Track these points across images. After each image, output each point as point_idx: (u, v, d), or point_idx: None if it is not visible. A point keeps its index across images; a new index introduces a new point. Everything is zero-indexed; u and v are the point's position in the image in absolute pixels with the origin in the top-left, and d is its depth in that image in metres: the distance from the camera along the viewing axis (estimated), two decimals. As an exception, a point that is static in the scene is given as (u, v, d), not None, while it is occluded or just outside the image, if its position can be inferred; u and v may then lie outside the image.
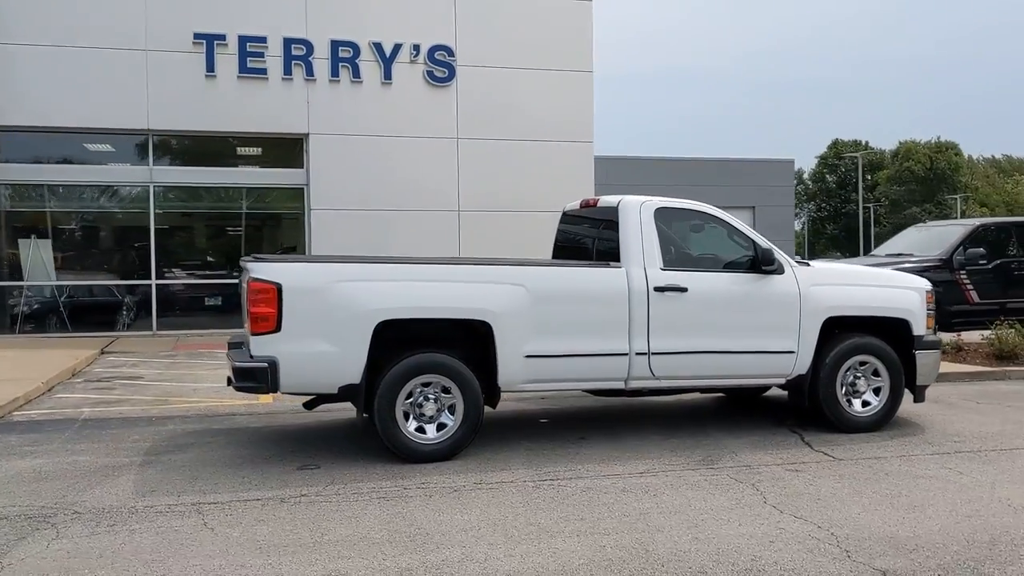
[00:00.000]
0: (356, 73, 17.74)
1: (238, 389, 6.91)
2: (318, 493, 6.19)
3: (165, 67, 16.86)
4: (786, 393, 8.33)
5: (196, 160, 18.04)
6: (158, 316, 17.58)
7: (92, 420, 8.85)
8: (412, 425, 7.01)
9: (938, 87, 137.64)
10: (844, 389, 8.00)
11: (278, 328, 6.69)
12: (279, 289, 6.67)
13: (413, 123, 17.97)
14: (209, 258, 18.95)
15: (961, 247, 14.03)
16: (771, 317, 7.79)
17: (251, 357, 6.81)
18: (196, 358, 14.10)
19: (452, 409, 7.09)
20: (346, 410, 8.68)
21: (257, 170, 18.11)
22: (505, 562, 4.84)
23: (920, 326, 8.20)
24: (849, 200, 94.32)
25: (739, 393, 9.51)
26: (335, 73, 17.62)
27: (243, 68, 17.19)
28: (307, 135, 17.64)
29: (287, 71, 17.40)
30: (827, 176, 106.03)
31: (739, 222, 8.04)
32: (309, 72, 17.47)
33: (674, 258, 7.67)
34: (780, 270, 7.80)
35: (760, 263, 7.74)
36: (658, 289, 7.46)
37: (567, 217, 9.05)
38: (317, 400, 7.64)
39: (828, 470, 6.78)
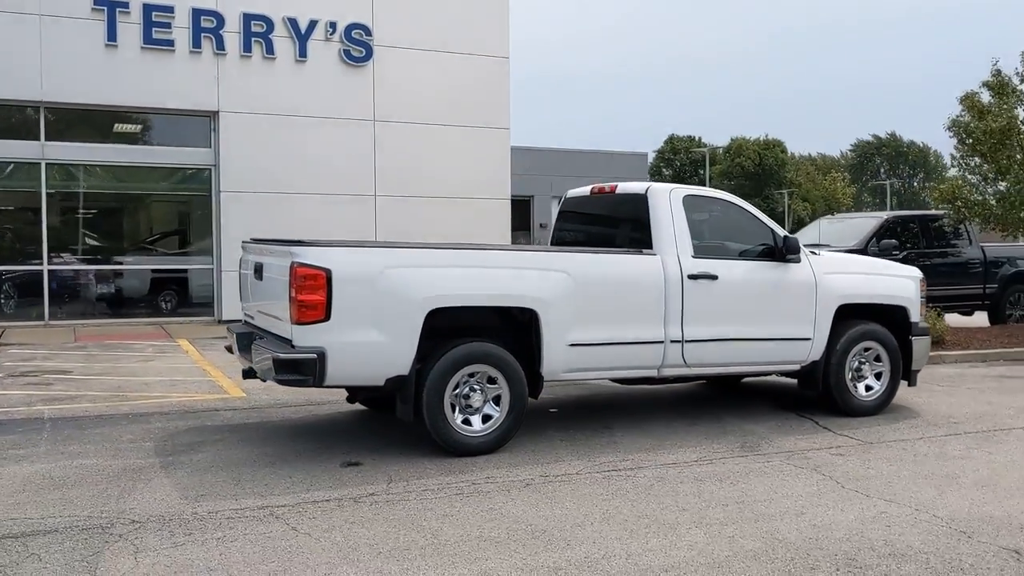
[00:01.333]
0: (269, 49, 16.91)
1: (280, 382, 6.43)
2: (386, 492, 5.84)
3: (60, 34, 15.54)
4: (758, 379, 8.49)
5: (94, 136, 16.74)
6: (50, 305, 16.22)
7: (60, 419, 8.04)
8: (459, 417, 6.73)
9: (765, 86, 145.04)
10: (850, 374, 8.26)
11: (327, 317, 6.26)
12: (329, 275, 6.24)
13: (329, 104, 17.31)
14: (106, 243, 17.63)
15: (875, 238, 14.79)
16: (791, 305, 7.93)
17: (293, 347, 6.35)
18: (111, 350, 13.12)
19: (497, 400, 6.85)
20: (328, 403, 8.29)
21: (161, 148, 16.94)
22: (650, 556, 4.69)
23: (916, 313, 8.57)
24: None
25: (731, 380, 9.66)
26: (247, 48, 16.74)
27: (148, 39, 16.06)
28: (217, 112, 16.68)
29: (196, 44, 16.38)
30: (664, 170, 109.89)
31: (757, 210, 8.15)
32: (219, 46, 16.52)
33: (702, 246, 7.67)
34: (798, 259, 7.96)
35: (783, 251, 7.86)
36: (691, 277, 7.46)
37: (572, 203, 8.90)
38: (357, 393, 7.23)
39: (868, 453, 6.97)
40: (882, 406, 8.40)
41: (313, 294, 6.23)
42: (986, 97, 14.85)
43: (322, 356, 6.24)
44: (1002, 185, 14.32)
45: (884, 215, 16.22)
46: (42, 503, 5.54)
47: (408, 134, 17.88)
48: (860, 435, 7.58)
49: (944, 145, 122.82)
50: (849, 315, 8.23)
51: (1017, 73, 14.80)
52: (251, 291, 7.47)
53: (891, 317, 8.46)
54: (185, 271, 17.88)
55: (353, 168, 17.55)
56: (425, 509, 5.48)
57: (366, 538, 4.96)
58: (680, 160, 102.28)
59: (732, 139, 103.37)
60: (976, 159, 15.08)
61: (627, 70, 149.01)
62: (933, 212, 16.49)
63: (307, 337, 6.28)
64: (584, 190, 8.77)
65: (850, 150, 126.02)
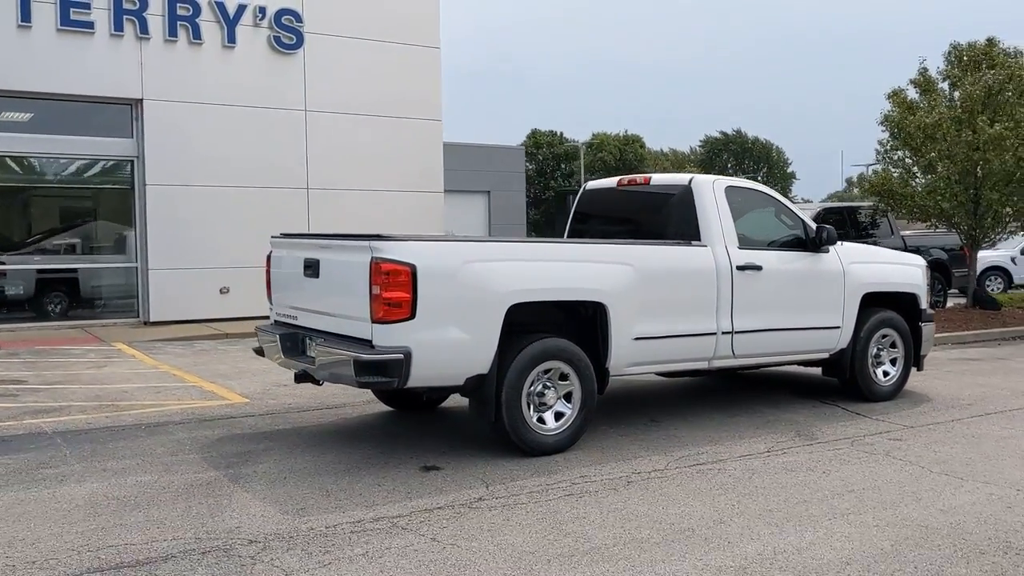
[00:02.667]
0: (196, 34, 16.00)
1: (361, 385, 6.05)
2: (492, 496, 5.59)
3: (-34, 13, 14.25)
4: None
5: (5, 124, 15.39)
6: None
7: (67, 433, 7.35)
8: (534, 416, 6.54)
9: (625, 83, 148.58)
10: (871, 361, 8.49)
11: (412, 315, 5.94)
12: (414, 271, 5.91)
13: (259, 92, 16.54)
14: (16, 239, 16.30)
15: (812, 229, 15.29)
16: (823, 294, 8.08)
17: (373, 348, 6.00)
18: (48, 356, 12.19)
19: (568, 397, 6.69)
20: (347, 405, 7.92)
21: (79, 139, 15.72)
22: (818, 551, 4.64)
23: (924, 300, 8.89)
24: (548, 187, 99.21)
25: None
26: (172, 32, 15.78)
27: (64, 20, 14.90)
28: (140, 100, 15.66)
29: (117, 27, 15.32)
30: (527, 164, 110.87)
31: (788, 200, 8.26)
32: (143, 29, 15.50)
33: (745, 237, 7.71)
34: (828, 249, 8.11)
35: (817, 242, 7.99)
36: (739, 268, 7.48)
37: (593, 196, 8.77)
38: (398, 395, 6.98)
39: (922, 437, 7.16)
40: (897, 391, 8.69)
41: (398, 291, 5.89)
42: (912, 94, 15.63)
43: (408, 356, 5.92)
44: (928, 177, 15.06)
45: (817, 206, 16.83)
46: (131, 526, 5.03)
47: (340, 125, 17.31)
48: (897, 420, 7.80)
49: (785, 143, 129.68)
50: (870, 303, 8.45)
51: (939, 72, 15.64)
52: (295, 289, 7.00)
53: (904, 304, 8.74)
54: (104, 270, 16.74)
55: (285, 159, 16.85)
56: (549, 512, 5.27)
57: (519, 545, 4.72)
58: (543, 155, 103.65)
59: (593, 135, 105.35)
60: (900, 153, 15.83)
61: (491, 65, 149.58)
62: (858, 203, 17.22)
63: (391, 337, 5.94)
64: (608, 182, 8.67)
65: (700, 146, 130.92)
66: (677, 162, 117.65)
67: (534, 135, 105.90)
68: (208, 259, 16.14)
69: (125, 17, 15.36)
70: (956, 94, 15.12)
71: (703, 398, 8.83)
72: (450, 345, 6.10)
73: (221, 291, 16.26)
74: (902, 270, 8.79)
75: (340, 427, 7.60)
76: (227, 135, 16.20)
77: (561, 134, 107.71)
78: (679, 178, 7.90)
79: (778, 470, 6.20)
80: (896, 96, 15.49)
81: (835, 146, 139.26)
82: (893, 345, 8.66)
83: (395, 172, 17.82)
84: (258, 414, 8.12)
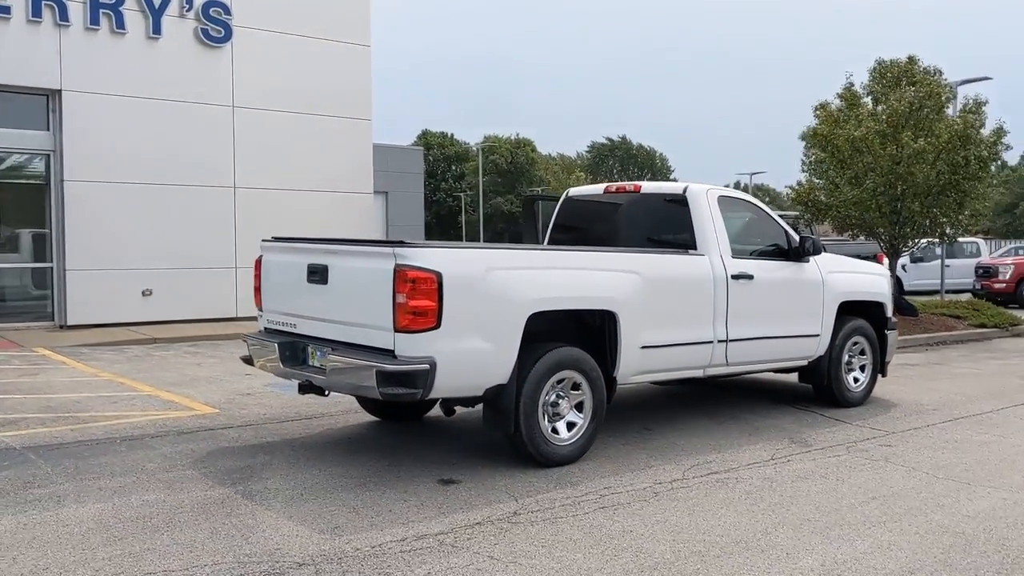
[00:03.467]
0: (119, 23, 15.22)
1: (383, 396, 5.83)
2: (527, 510, 5.46)
3: None
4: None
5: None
6: None
7: (39, 447, 6.86)
8: (548, 426, 6.45)
9: (512, 86, 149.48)
10: (844, 368, 8.72)
11: (438, 324, 5.76)
12: (440, 279, 5.74)
13: (185, 86, 15.86)
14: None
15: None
16: (806, 303, 8.25)
17: (395, 358, 5.79)
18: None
19: (579, 407, 6.62)
20: (327, 416, 7.68)
21: (-11, 130, 14.76)
22: (877, 559, 4.70)
23: (889, 308, 9.19)
24: (439, 188, 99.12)
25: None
26: (94, 20, 14.97)
27: (-23, 3, 13.98)
28: (59, 91, 14.79)
29: (35, 12, 14.43)
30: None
31: (771, 210, 8.40)
32: (63, 16, 14.66)
33: (736, 246, 7.80)
34: (808, 258, 8.29)
35: (800, 251, 8.15)
36: (734, 277, 7.56)
37: (577, 202, 8.72)
38: (388, 406, 7.02)
39: (909, 443, 7.37)
40: (866, 397, 8.96)
41: (424, 299, 5.70)
42: (836, 105, 16.19)
43: (433, 367, 5.74)
44: (854, 191, 15.61)
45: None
46: (161, 551, 4.70)
47: (270, 122, 16.77)
48: (877, 426, 8.02)
49: (667, 149, 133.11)
50: (843, 312, 8.68)
51: (863, 87, 16.26)
52: (295, 295, 6.70)
53: (872, 312, 9.01)
54: (16, 270, 15.73)
55: (212, 157, 16.22)
56: (593, 526, 5.19)
57: (581, 563, 4.62)
58: (434, 155, 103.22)
59: (485, 137, 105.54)
60: (826, 165, 16.38)
61: (384, 63, 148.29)
62: (783, 213, 17.72)
63: (416, 346, 5.75)
64: (592, 189, 8.64)
65: (586, 151, 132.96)
66: (565, 166, 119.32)
67: (425, 136, 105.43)
68: (129, 260, 15.38)
69: (44, 2, 14.51)
70: (879, 108, 15.73)
71: (685, 405, 8.88)
72: (473, 355, 5.95)
73: (143, 293, 15.53)
74: (872, 279, 9.07)
75: (331, 439, 7.32)
76: (151, 130, 15.48)
77: (452, 135, 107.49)
78: (672, 187, 7.93)
79: (793, 478, 6.27)
80: (823, 109, 16.02)
81: (716, 155, 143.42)
82: (863, 352, 8.92)
83: (325, 171, 17.39)
84: (236, 425, 7.75)
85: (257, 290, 7.15)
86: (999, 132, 15.15)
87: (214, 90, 16.19)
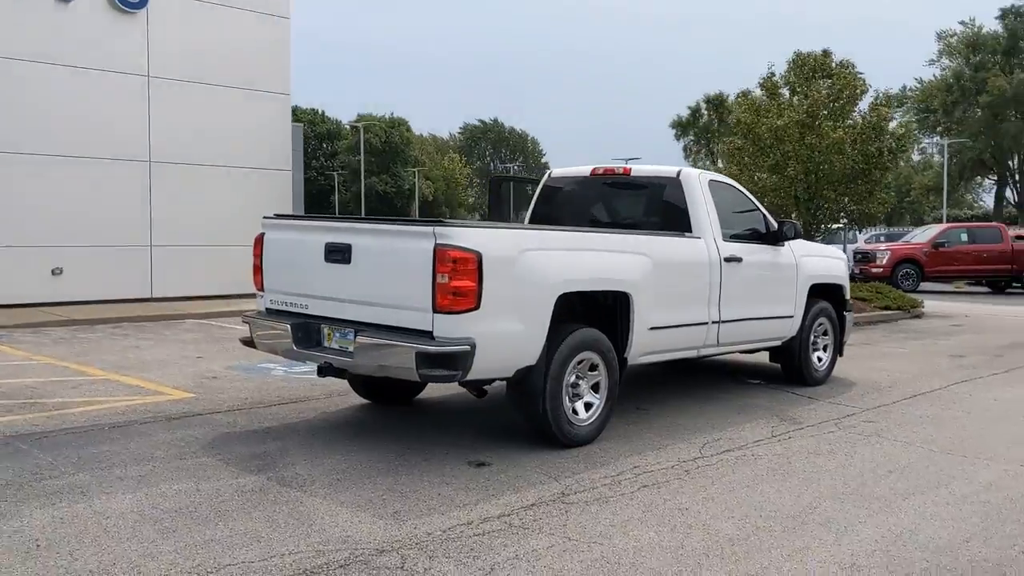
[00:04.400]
0: (27, -16, 14.27)
1: (421, 378, 5.71)
2: (574, 492, 5.46)
3: None
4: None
5: None
6: None
7: (24, 435, 6.44)
8: (569, 407, 6.47)
9: (389, 65, 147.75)
10: (810, 347, 9.07)
11: (477, 305, 5.69)
12: (480, 259, 5.66)
13: (97, 54, 15.03)
14: None
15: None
16: (784, 285, 8.53)
17: (433, 338, 5.69)
18: None
19: (595, 388, 6.67)
20: (311, 400, 7.51)
21: None
22: (928, 529, 4.92)
23: (848, 291, 9.60)
24: (310, 167, 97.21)
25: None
26: (0, -20, 13.98)
27: None
28: (-42, 54, 13.76)
29: (-66, -31, 13.38)
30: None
31: (751, 195, 8.62)
32: (-35, -26, 13.64)
33: (725, 230, 7.98)
34: (783, 242, 8.56)
35: (779, 235, 8.41)
36: (726, 260, 7.75)
37: (560, 184, 8.72)
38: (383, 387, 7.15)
39: (889, 419, 7.71)
40: (828, 375, 9.35)
41: (465, 280, 5.62)
42: (757, 93, 16.76)
43: (473, 348, 5.67)
44: (774, 177, 16.22)
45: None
46: (226, 542, 4.49)
47: (186, 93, 16.08)
48: (850, 403, 8.37)
49: (540, 134, 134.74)
50: (811, 294, 9.01)
51: (782, 77, 16.87)
52: (308, 275, 6.46)
53: (833, 294, 9.40)
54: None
55: (126, 129, 15.44)
56: (648, 505, 5.24)
57: (660, 542, 4.66)
58: (304, 133, 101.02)
59: (359, 115, 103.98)
60: (741, 152, 16.94)
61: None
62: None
63: (456, 327, 5.65)
64: (578, 170, 8.65)
65: (459, 132, 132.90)
66: (438, 147, 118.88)
67: (294, 112, 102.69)
68: (38, 236, 14.51)
69: (-55, -42, 13.45)
70: (795, 100, 16.37)
71: (666, 386, 9.05)
72: (508, 336, 5.90)
73: (53, 272, 14.67)
74: (834, 263, 9.45)
75: (333, 424, 7.13)
76: (61, 99, 14.61)
77: (323, 112, 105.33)
78: (664, 170, 8.04)
79: (805, 454, 6.49)
80: (744, 97, 16.54)
81: (587, 139, 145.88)
82: (825, 333, 9.30)
83: (243, 147, 16.83)
84: (223, 411, 7.44)
85: (257, 269, 6.86)
86: (908, 128, 16.03)
87: (128, 58, 15.40)
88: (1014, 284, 26.87)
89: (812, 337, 9.08)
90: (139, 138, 15.56)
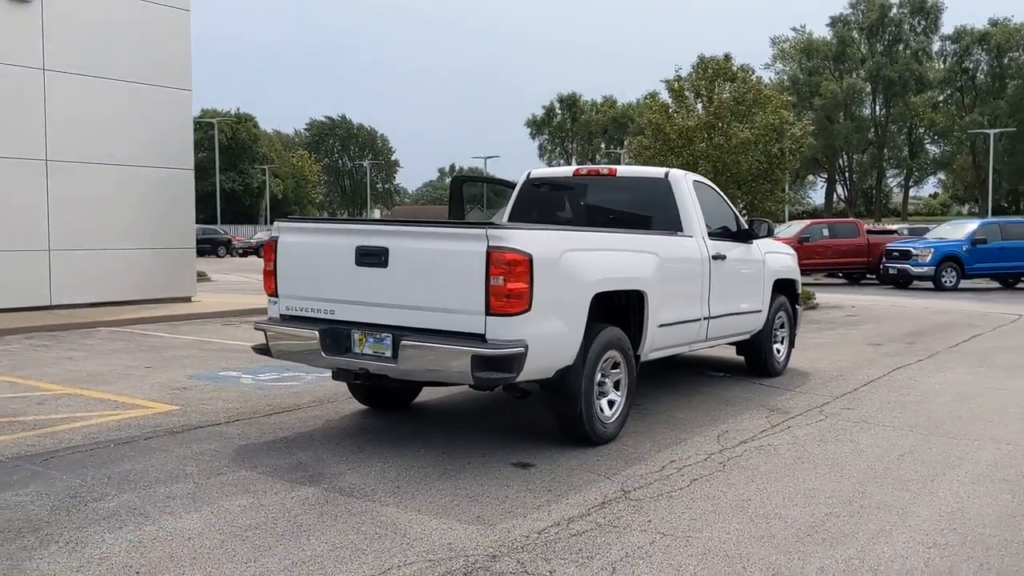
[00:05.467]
0: (-90, -33, 13.11)
1: (478, 382, 5.68)
2: (635, 488, 5.56)
3: None
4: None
5: None
6: None
7: (26, 456, 6.00)
8: (598, 405, 6.57)
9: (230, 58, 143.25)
10: (772, 340, 9.50)
11: (529, 307, 5.71)
12: (531, 261, 5.68)
13: (-12, 45, 13.96)
14: None
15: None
16: (755, 281, 8.89)
17: (485, 341, 5.67)
18: None
19: (617, 385, 6.79)
20: (297, 409, 7.35)
21: None
22: (975, 506, 5.29)
23: (799, 285, 10.09)
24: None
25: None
26: None
27: None
28: None
29: None
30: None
31: (723, 194, 8.94)
32: None
33: (708, 229, 8.25)
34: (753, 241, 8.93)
35: (751, 234, 8.76)
36: (713, 257, 8.03)
37: (540, 184, 8.77)
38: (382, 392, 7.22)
39: (865, 406, 8.16)
40: (786, 366, 9.80)
41: (519, 282, 5.63)
42: (665, 96, 17.31)
43: (527, 349, 5.69)
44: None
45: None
46: (329, 556, 4.36)
47: (85, 88, 15.16)
48: (814, 391, 8.82)
49: (389, 130, 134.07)
50: (773, 289, 9.43)
51: (688, 78, 17.47)
52: (335, 280, 6.27)
53: (788, 289, 9.86)
54: None
55: (20, 125, 14.42)
56: (707, 497, 5.39)
57: (744, 531, 4.83)
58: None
59: (203, 110, 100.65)
60: (649, 151, 17.46)
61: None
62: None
63: (509, 329, 5.65)
64: (560, 171, 8.74)
65: (305, 129, 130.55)
66: (285, 144, 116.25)
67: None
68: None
69: None
70: (699, 105, 17.01)
71: (643, 381, 9.23)
72: (553, 337, 5.95)
73: (-57, 280, 13.56)
74: (790, 259, 9.92)
75: (350, 430, 6.97)
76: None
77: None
78: (652, 171, 8.23)
79: (815, 442, 6.81)
80: (652, 99, 17.04)
81: (438, 136, 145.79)
82: (782, 326, 9.75)
83: (144, 145, 16.04)
84: (222, 422, 7.14)
85: (270, 274, 6.62)
86: (805, 130, 16.92)
87: (21, 51, 14.40)
88: (868, 275, 28.84)
89: (773, 330, 9.50)
90: (34, 135, 14.57)
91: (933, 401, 8.43)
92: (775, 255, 9.44)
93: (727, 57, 17.16)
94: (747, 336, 9.08)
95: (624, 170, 8.41)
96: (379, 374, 6.09)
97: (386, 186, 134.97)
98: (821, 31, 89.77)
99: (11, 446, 6.27)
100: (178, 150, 16.70)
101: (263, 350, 6.62)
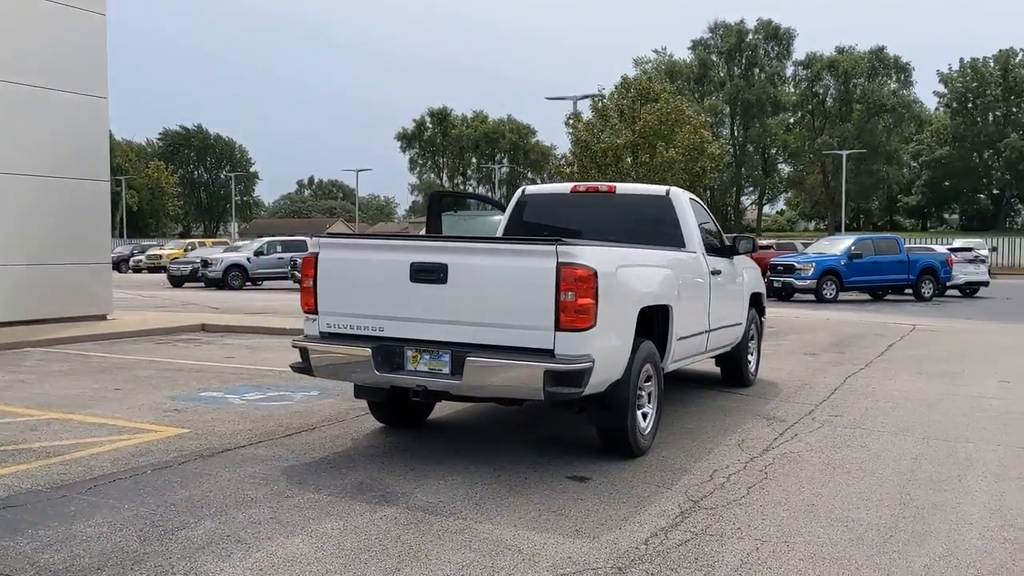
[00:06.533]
0: None
1: (548, 397, 5.71)
2: (699, 496, 5.73)
3: None
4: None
5: None
6: None
7: (66, 486, 5.67)
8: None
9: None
10: (747, 352, 9.89)
11: (595, 322, 5.82)
12: (596, 276, 5.81)
13: None
14: None
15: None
16: (737, 295, 9.25)
17: (554, 356, 5.74)
18: None
19: (649, 398, 6.96)
20: (318, 427, 7.25)
21: None
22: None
23: (764, 298, 10.54)
24: None
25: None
26: None
27: None
28: None
29: None
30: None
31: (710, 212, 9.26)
32: None
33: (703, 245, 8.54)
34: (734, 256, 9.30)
35: (734, 250, 9.11)
36: (712, 272, 8.33)
37: (536, 201, 8.86)
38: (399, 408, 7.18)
39: (849, 415, 8.60)
40: (756, 376, 10.21)
41: (588, 297, 5.74)
42: (587, 115, 17.72)
43: (593, 364, 5.80)
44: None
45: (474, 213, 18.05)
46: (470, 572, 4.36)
47: (-4, 96, 14.27)
48: (797, 400, 9.22)
49: (250, 143, 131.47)
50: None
51: (611, 98, 17.93)
52: (386, 297, 6.19)
53: (757, 302, 10.29)
54: None
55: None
56: (779, 503, 5.62)
57: (827, 536, 5.09)
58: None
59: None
60: (573, 168, 17.83)
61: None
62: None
63: (578, 345, 5.74)
64: (557, 187, 8.84)
65: (159, 139, 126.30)
66: (139, 154, 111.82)
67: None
68: None
69: None
70: (621, 123, 17.50)
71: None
72: (611, 351, 6.07)
73: None
74: (758, 273, 10.35)
75: (385, 448, 6.87)
76: None
77: None
78: (652, 188, 8.45)
79: (833, 447, 7.14)
80: (576, 119, 17.41)
81: (296, 149, 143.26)
82: (753, 338, 10.16)
83: (58, 155, 15.21)
84: (247, 444, 6.91)
85: (309, 291, 6.47)
86: (722, 149, 17.63)
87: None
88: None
89: (748, 342, 9.89)
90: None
91: (905, 407, 8.96)
92: (749, 270, 9.84)
93: (650, 79, 17.70)
94: (729, 348, 9.42)
95: (624, 187, 8.61)
96: (438, 391, 6.04)
97: (245, 198, 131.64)
98: (683, 54, 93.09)
99: (37, 475, 5.90)
100: (92, 159, 15.93)
101: (303, 369, 6.45)
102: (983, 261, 34.30)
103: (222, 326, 15.53)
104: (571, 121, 17.54)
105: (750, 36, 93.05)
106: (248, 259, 34.69)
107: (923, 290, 28.67)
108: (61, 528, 4.86)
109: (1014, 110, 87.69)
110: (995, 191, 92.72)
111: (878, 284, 28.94)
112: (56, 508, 5.23)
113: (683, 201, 8.30)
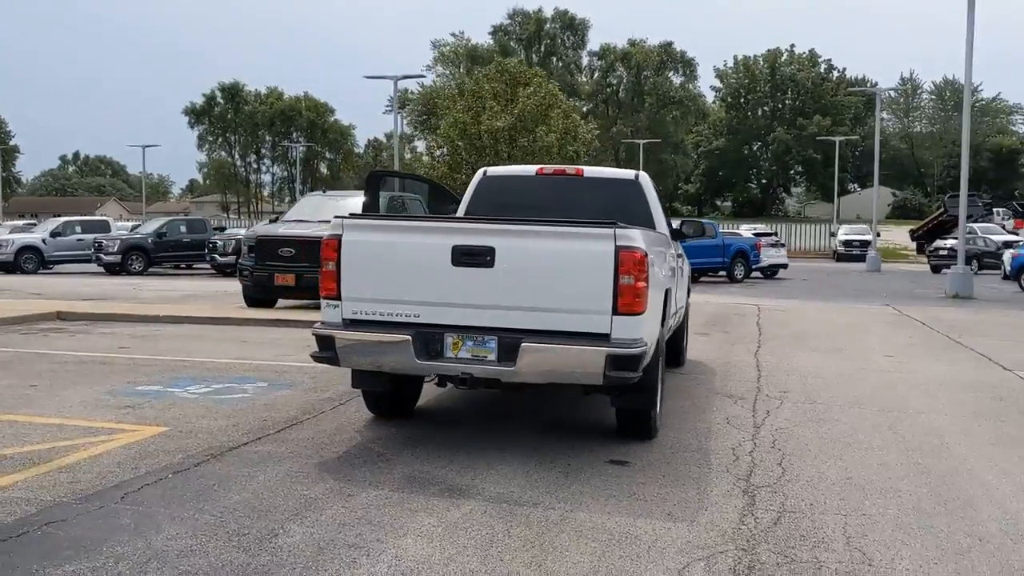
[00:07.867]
0: None
1: (608, 382, 5.65)
2: (745, 477, 5.89)
3: None
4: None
5: None
6: None
7: (85, 498, 5.05)
8: (653, 400, 6.79)
9: None
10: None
11: (647, 305, 5.84)
12: (647, 259, 5.82)
13: None
14: None
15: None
16: (684, 277, 9.52)
17: (610, 340, 5.70)
18: None
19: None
20: (306, 419, 6.95)
21: None
22: None
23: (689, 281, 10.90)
24: None
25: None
26: None
27: None
28: None
29: None
30: None
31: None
32: None
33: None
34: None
35: (681, 234, 9.34)
36: (678, 255, 8.54)
37: (500, 182, 8.66)
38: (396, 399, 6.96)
39: (797, 389, 9.07)
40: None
41: (643, 281, 5.74)
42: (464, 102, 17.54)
43: (647, 347, 5.82)
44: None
45: (388, 193, 17.57)
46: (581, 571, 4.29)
47: None
48: (737, 377, 9.62)
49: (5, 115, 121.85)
50: (683, 285, 10.13)
51: (486, 80, 17.83)
52: (426, 281, 5.88)
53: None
54: None
55: None
56: (835, 484, 5.89)
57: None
58: None
59: None
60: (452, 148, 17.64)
61: None
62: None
63: (632, 328, 5.72)
64: (521, 169, 8.71)
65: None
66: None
67: None
68: None
69: None
70: (497, 106, 17.50)
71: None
72: (652, 334, 6.12)
73: None
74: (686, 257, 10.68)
75: (406, 441, 6.54)
76: None
77: None
78: (621, 172, 8.51)
79: (815, 422, 7.45)
80: (453, 101, 17.23)
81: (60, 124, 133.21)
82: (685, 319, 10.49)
83: None
84: (250, 442, 6.36)
85: (330, 275, 6.05)
86: (592, 133, 18.00)
87: None
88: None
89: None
90: None
91: (834, 382, 9.52)
92: (683, 255, 10.14)
93: (521, 62, 17.75)
94: (675, 328, 9.68)
95: (591, 170, 8.62)
96: (486, 378, 5.84)
97: (3, 174, 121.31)
98: (483, 39, 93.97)
99: (47, 485, 5.21)
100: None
101: (327, 358, 6.04)
102: (783, 245, 37.16)
103: (82, 314, 14.23)
104: (448, 104, 17.35)
105: (548, 25, 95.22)
106: (44, 240, 32.06)
107: (736, 272, 30.57)
108: (139, 543, 4.34)
109: (779, 106, 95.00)
110: (763, 180, 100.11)
111: (697, 267, 30.62)
112: (107, 521, 4.66)
113: (651, 186, 8.43)
